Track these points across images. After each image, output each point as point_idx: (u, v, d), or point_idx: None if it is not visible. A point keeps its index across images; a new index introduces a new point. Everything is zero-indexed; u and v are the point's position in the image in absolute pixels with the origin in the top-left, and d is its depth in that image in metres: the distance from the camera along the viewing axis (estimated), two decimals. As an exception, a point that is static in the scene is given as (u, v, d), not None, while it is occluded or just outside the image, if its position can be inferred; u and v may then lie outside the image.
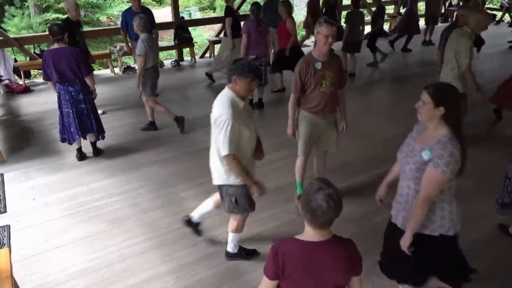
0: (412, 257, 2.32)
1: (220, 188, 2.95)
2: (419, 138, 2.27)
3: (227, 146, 2.60)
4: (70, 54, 4.34)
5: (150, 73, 5.14)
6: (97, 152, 4.90)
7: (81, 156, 4.79)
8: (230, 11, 7.14)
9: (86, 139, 4.80)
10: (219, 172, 2.83)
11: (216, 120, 2.63)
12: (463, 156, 2.09)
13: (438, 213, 2.25)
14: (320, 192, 1.65)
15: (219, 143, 2.64)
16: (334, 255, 1.74)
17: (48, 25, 5.19)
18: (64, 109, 4.55)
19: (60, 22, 5.28)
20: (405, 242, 2.29)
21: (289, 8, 6.36)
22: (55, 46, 4.36)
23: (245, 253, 3.22)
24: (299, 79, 3.40)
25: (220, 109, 2.62)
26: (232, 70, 2.61)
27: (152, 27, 6.32)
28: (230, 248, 3.19)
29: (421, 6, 11.69)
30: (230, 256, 3.21)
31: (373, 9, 8.76)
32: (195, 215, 3.35)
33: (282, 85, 6.97)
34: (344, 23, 7.75)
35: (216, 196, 3.18)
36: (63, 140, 4.71)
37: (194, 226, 3.38)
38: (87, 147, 4.87)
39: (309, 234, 1.75)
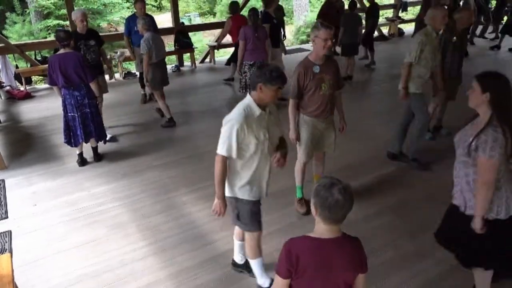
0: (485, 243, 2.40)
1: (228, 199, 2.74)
2: (474, 124, 2.35)
3: (222, 146, 2.49)
4: (76, 58, 4.43)
5: (153, 68, 5.53)
6: (98, 158, 4.92)
7: (82, 161, 4.81)
8: (268, 17, 6.61)
9: (88, 143, 4.83)
10: (228, 183, 2.68)
11: (224, 121, 2.54)
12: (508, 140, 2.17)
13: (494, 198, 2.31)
14: (334, 187, 1.68)
15: (219, 141, 2.53)
16: (344, 252, 1.76)
17: (55, 29, 5.15)
18: (69, 114, 4.59)
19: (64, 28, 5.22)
20: (475, 226, 2.36)
21: (232, 8, 7.21)
22: (62, 51, 4.44)
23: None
24: (298, 83, 3.42)
25: (232, 112, 2.53)
26: (258, 76, 2.45)
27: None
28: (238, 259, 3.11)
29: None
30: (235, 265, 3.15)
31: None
32: (236, 257, 3.16)
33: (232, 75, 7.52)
34: (340, 25, 7.84)
35: (236, 230, 3.03)
36: (67, 142, 4.74)
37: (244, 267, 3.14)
38: (87, 153, 4.89)
39: (320, 231, 1.76)
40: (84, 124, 4.63)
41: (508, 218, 2.33)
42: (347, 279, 1.79)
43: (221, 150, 2.50)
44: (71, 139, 4.70)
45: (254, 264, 2.90)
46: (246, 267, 3.09)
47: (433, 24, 4.10)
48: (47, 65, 7.75)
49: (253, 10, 6.01)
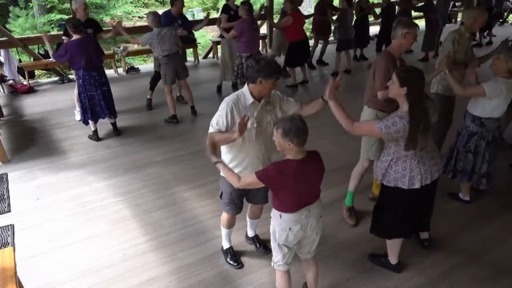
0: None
1: None
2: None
3: (215, 121, 2.62)
4: (92, 41, 5.01)
5: (162, 63, 5.58)
6: (118, 133, 5.43)
7: (98, 137, 5.26)
8: (227, 8, 6.73)
9: (104, 119, 5.32)
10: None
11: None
12: (411, 132, 2.49)
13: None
14: (294, 119, 2.22)
15: (213, 118, 2.66)
16: (313, 165, 2.35)
17: (66, 19, 5.57)
18: (89, 93, 5.00)
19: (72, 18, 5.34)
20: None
21: (292, 3, 6.66)
22: (75, 37, 4.80)
23: (229, 257, 3.24)
24: (385, 78, 3.05)
25: (228, 96, 2.69)
26: (258, 71, 2.52)
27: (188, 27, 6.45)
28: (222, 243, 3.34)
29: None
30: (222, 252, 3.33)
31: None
32: (248, 231, 3.46)
33: (295, 80, 7.19)
34: (337, 20, 7.98)
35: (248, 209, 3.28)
36: (85, 122, 5.18)
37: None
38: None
39: (294, 155, 2.28)
40: (105, 100, 5.11)
41: (409, 189, 2.70)
42: (317, 183, 2.41)
43: (212, 126, 2.63)
44: (86, 118, 5.12)
45: (223, 231, 3.25)
46: (254, 241, 3.40)
47: (466, 24, 3.91)
48: (50, 59, 7.77)
49: (248, 3, 6.07)
